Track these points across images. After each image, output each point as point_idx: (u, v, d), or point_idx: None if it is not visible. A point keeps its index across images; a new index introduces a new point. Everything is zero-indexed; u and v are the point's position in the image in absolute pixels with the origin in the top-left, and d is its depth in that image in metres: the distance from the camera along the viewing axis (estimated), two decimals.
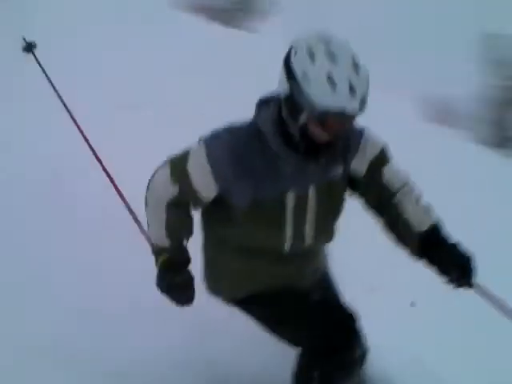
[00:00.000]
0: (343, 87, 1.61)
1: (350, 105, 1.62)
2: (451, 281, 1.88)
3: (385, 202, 2.00)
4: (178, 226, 2.01)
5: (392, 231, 2.02)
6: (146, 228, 2.14)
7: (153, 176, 2.00)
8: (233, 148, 1.82)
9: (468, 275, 1.88)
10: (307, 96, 1.63)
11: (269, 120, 1.82)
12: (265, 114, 1.85)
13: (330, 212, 1.98)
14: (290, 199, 1.86)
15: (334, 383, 1.96)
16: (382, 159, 1.97)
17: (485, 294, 1.92)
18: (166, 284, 2.01)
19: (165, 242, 2.00)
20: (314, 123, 1.68)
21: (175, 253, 2.02)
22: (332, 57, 1.63)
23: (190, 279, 2.03)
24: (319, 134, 1.71)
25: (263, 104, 1.89)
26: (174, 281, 2.00)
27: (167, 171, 1.94)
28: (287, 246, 1.93)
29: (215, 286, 2.13)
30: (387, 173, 1.98)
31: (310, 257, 2.07)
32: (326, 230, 2.02)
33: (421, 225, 1.94)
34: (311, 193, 1.88)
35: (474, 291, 1.92)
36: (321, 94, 1.61)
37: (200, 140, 1.89)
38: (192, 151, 1.90)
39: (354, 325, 1.97)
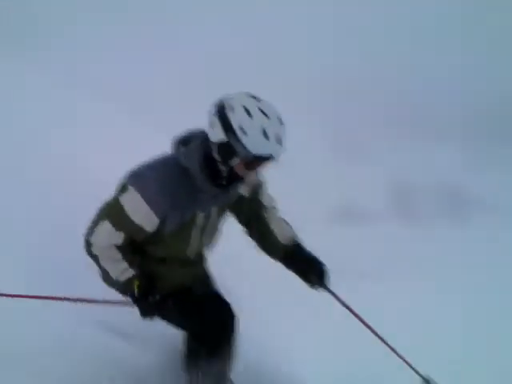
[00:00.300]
0: (273, 138, 2.02)
1: (277, 152, 2.07)
2: (310, 284, 2.49)
3: (257, 217, 2.54)
4: (133, 256, 2.31)
5: (259, 241, 2.58)
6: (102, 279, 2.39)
7: (91, 234, 2.25)
8: (162, 183, 2.13)
9: (324, 279, 2.49)
10: (244, 145, 2.02)
11: (194, 159, 2.15)
12: (187, 152, 2.18)
13: (219, 225, 2.49)
14: (199, 219, 2.30)
15: (215, 357, 2.40)
16: (260, 184, 2.52)
17: (334, 294, 2.53)
18: (150, 307, 2.31)
19: (129, 272, 2.29)
20: (244, 165, 2.09)
21: (142, 277, 2.30)
22: (264, 113, 2.03)
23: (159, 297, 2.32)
24: (244, 172, 2.13)
25: (182, 143, 2.22)
26: (155, 300, 2.30)
27: (107, 223, 2.20)
28: (191, 253, 2.41)
29: None
30: (263, 194, 2.53)
31: (204, 258, 2.61)
32: (215, 239, 2.54)
33: (285, 238, 2.54)
34: (213, 212, 2.36)
35: (327, 292, 2.52)
36: (257, 145, 2.02)
37: (124, 185, 2.17)
38: (123, 197, 2.16)
39: (230, 312, 2.45)
